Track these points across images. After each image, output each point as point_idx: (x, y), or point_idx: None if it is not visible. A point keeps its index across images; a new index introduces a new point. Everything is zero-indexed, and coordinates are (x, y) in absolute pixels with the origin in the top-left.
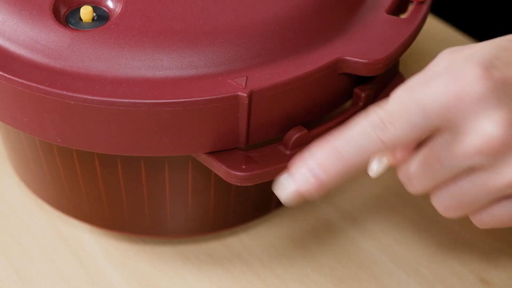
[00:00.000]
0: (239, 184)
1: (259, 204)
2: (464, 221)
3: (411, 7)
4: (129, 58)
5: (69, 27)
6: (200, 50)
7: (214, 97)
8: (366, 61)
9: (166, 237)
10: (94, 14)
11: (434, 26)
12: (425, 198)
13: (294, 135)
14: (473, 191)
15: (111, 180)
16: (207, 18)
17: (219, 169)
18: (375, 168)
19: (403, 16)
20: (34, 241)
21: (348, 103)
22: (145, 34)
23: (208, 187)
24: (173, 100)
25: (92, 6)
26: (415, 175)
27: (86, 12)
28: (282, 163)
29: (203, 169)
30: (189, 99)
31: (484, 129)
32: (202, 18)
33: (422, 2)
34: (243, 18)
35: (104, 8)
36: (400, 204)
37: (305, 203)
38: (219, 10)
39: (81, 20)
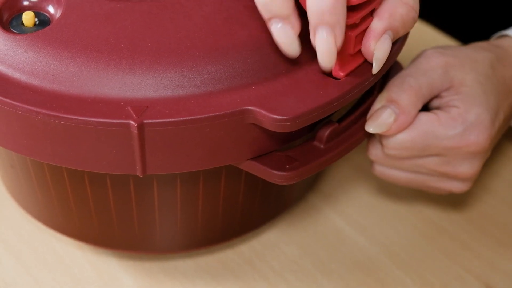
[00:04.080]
0: (285, 184)
1: (266, 210)
2: (470, 229)
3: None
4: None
5: (11, 31)
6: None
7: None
8: (273, 116)
9: (193, 250)
10: (36, 19)
11: (426, 32)
12: (431, 207)
13: (327, 130)
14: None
15: (146, 199)
16: (140, 36)
17: (264, 172)
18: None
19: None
20: (50, 249)
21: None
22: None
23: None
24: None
25: (34, 12)
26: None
27: (28, 18)
28: (320, 158)
29: (214, 180)
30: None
31: (464, 168)
32: (135, 35)
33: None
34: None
35: (46, 14)
36: (406, 213)
37: (314, 211)
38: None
39: (23, 25)
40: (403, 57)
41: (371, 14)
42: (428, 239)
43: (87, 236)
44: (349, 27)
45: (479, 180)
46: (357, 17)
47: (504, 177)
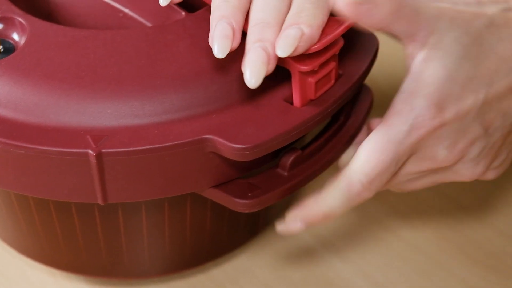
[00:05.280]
0: (247, 211)
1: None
2: (446, 249)
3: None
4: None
5: None
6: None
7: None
8: (232, 145)
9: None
10: (1, 47)
11: None
12: (405, 226)
13: (290, 157)
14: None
15: (111, 225)
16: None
17: (227, 200)
18: None
19: None
20: (22, 275)
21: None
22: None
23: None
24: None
25: None
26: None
27: None
28: (282, 185)
29: (179, 206)
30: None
31: (441, 155)
32: (96, 64)
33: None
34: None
35: (11, 41)
36: (381, 232)
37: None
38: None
39: None
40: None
41: (332, 59)
42: (403, 259)
43: (57, 262)
44: (308, 73)
45: (454, 198)
46: (315, 64)
47: (478, 195)
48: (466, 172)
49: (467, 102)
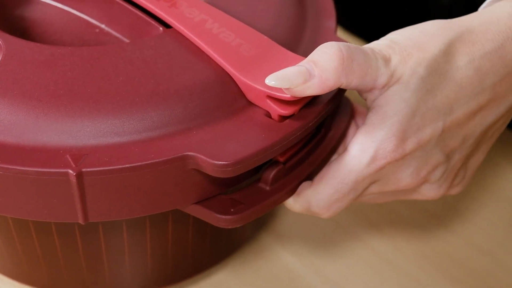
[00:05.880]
0: (230, 227)
1: (216, 251)
2: (423, 266)
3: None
4: None
5: None
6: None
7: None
8: (214, 162)
9: None
10: None
11: None
12: (385, 243)
13: (272, 171)
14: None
15: (92, 244)
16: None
17: (209, 216)
18: None
19: None
20: None
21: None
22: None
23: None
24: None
25: None
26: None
27: None
28: (265, 200)
29: (160, 223)
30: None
31: (406, 180)
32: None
33: None
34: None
35: None
36: (361, 251)
37: (266, 250)
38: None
39: None
40: None
41: None
42: (383, 278)
43: (38, 281)
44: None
45: (434, 215)
46: (296, 108)
47: (459, 212)
48: (429, 193)
49: (427, 131)
